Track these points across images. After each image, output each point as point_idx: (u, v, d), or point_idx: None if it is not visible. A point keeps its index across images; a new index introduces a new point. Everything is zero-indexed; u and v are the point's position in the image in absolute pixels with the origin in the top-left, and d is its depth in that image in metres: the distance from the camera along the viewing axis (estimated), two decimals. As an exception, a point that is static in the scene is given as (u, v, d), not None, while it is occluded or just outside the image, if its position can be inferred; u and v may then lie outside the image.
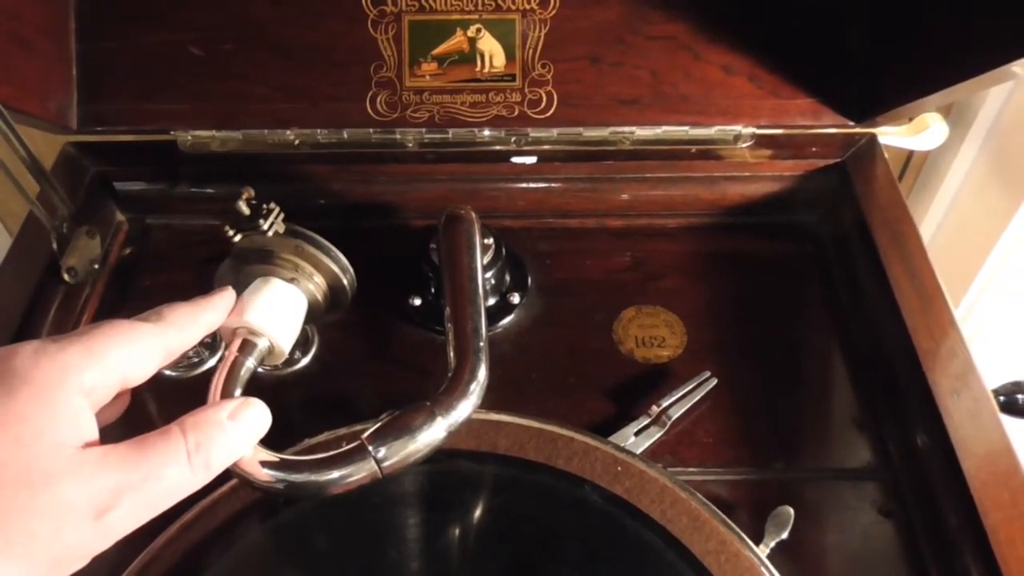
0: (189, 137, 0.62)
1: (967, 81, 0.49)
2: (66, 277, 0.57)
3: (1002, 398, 0.54)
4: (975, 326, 0.89)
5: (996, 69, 0.46)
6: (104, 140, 0.63)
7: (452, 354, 0.46)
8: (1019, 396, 0.54)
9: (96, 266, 0.60)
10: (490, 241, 0.57)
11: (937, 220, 0.87)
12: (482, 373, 0.45)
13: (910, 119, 0.65)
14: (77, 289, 0.58)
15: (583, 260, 0.63)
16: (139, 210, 0.65)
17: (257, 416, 0.36)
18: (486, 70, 0.61)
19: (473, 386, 0.43)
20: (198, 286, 0.60)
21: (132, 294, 0.61)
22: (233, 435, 0.35)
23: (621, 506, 0.44)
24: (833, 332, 0.59)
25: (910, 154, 0.83)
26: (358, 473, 0.38)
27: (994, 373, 0.55)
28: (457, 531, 0.45)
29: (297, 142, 0.63)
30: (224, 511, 0.45)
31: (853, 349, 0.57)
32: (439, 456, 0.47)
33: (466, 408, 0.42)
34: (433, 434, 0.40)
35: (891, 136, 0.65)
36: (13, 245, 0.58)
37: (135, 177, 0.64)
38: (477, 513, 0.46)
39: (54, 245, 0.57)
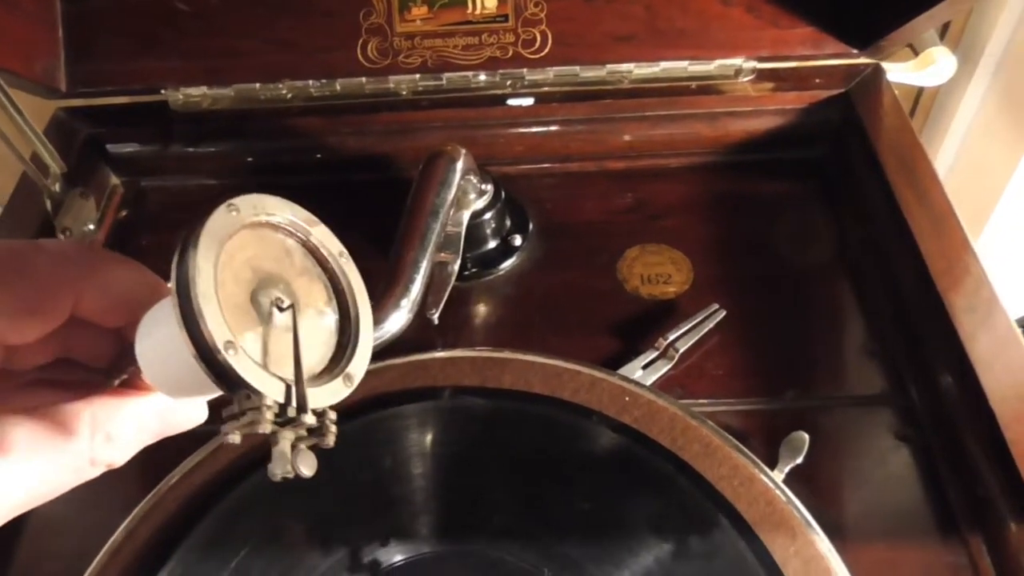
0: (180, 96, 0.62)
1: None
2: (61, 237, 0.56)
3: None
4: (990, 264, 0.87)
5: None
6: (95, 103, 0.62)
7: (381, 286, 0.45)
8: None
9: (91, 227, 0.59)
10: (488, 187, 0.56)
11: (949, 160, 0.85)
12: (400, 313, 0.44)
13: (916, 52, 0.64)
14: (73, 251, 0.58)
15: (584, 203, 0.61)
16: (133, 172, 0.65)
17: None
18: (478, 12, 0.59)
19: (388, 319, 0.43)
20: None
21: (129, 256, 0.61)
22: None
23: (631, 435, 0.43)
24: (842, 262, 0.57)
25: (919, 93, 0.81)
26: None
27: (1010, 311, 0.54)
28: (466, 464, 0.44)
29: (289, 96, 0.62)
30: (226, 456, 0.44)
31: (863, 278, 0.56)
32: (443, 393, 0.46)
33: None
34: None
35: (898, 72, 0.63)
36: (6, 206, 0.58)
37: (128, 139, 0.63)
38: (485, 446, 0.45)
39: (47, 205, 0.56)
